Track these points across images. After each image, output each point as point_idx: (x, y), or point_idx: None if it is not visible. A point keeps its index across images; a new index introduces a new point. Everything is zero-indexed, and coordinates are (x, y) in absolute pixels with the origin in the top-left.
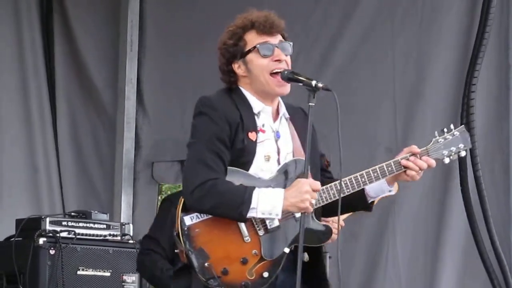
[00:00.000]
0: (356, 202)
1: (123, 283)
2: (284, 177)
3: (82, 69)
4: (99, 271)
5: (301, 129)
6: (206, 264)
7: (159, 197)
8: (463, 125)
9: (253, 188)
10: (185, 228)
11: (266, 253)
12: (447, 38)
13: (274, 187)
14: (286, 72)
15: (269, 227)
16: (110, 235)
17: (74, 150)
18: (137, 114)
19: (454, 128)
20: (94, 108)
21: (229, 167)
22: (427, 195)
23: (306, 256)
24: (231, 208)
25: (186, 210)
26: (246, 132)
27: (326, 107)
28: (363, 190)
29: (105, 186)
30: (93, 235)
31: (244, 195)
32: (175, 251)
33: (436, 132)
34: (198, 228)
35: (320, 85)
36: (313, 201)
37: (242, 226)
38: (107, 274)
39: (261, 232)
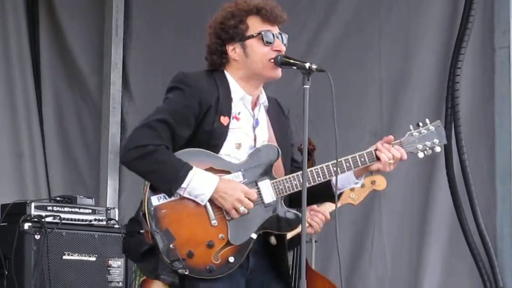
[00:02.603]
0: (321, 192)
1: (108, 268)
2: (256, 162)
3: (67, 55)
4: (85, 256)
5: (275, 120)
6: (171, 246)
7: (145, 182)
8: (438, 120)
9: (191, 167)
10: (152, 208)
11: (233, 238)
12: (433, 23)
13: (244, 172)
14: (279, 57)
15: None
16: (95, 220)
17: (59, 135)
18: (123, 99)
19: (430, 123)
20: (80, 93)
21: (199, 149)
22: (413, 178)
23: (273, 240)
24: (162, 180)
25: (154, 190)
26: (218, 115)
27: (313, 93)
28: (329, 180)
29: (91, 171)
30: (78, 220)
31: (179, 172)
32: (141, 231)
33: (411, 126)
34: (165, 208)
35: (314, 66)
36: (242, 209)
37: (210, 209)
38: (93, 259)
39: (228, 217)
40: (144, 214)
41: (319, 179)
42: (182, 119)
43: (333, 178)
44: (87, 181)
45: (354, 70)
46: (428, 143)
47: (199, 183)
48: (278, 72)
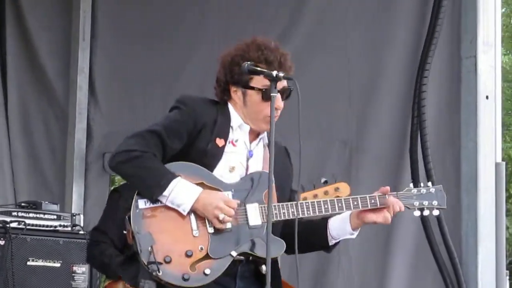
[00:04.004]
0: (317, 239)
1: (73, 274)
2: (248, 185)
3: (34, 59)
4: (49, 262)
5: (278, 162)
6: (149, 248)
7: (111, 188)
8: (441, 185)
9: (175, 176)
10: (137, 211)
11: (212, 251)
12: (400, 31)
13: (234, 192)
14: (246, 64)
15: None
16: (60, 225)
17: (25, 141)
18: (89, 104)
19: (432, 185)
20: (46, 98)
21: (193, 163)
22: (379, 188)
23: (264, 268)
24: (145, 185)
25: (142, 194)
26: (214, 137)
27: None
28: (326, 228)
29: (56, 177)
30: (43, 225)
31: (162, 180)
32: (123, 231)
33: (411, 184)
34: (150, 213)
35: (281, 74)
36: (221, 216)
37: (193, 219)
38: (57, 265)
39: (211, 230)
40: (129, 217)
41: (308, 212)
42: (173, 132)
43: (330, 229)
44: (52, 186)
45: (321, 77)
46: (425, 203)
47: (181, 192)
48: (269, 127)
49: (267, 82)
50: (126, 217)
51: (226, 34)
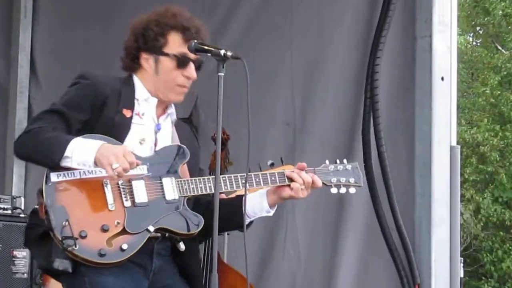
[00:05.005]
0: (234, 217)
1: (13, 258)
2: (163, 159)
3: None
4: None
5: (184, 138)
6: (63, 223)
7: None
8: (357, 162)
9: (74, 138)
10: (49, 184)
11: (129, 225)
12: (351, 10)
13: (150, 166)
14: (194, 43)
15: (136, 201)
16: (0, 208)
17: None
18: (30, 84)
19: (348, 162)
20: None
21: (105, 136)
22: None
23: (181, 246)
24: (46, 154)
25: (54, 168)
26: (121, 107)
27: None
28: (240, 209)
29: None
30: None
31: (62, 143)
32: (35, 206)
33: (327, 161)
34: (63, 186)
35: (229, 53)
36: (115, 166)
37: (108, 193)
38: None
39: (127, 204)
40: (41, 190)
41: (226, 187)
42: (73, 106)
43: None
44: None
45: (263, 58)
46: (343, 179)
47: (83, 148)
48: (181, 97)
49: (182, 49)
50: (38, 192)
51: None
